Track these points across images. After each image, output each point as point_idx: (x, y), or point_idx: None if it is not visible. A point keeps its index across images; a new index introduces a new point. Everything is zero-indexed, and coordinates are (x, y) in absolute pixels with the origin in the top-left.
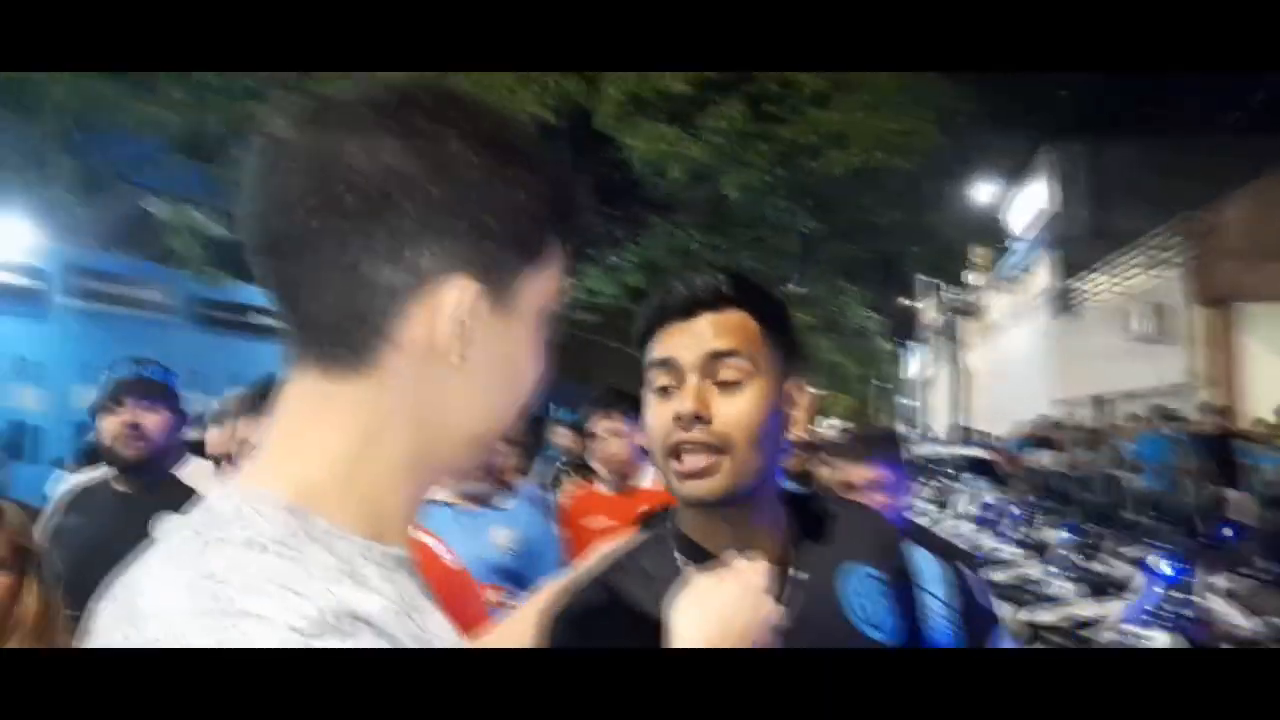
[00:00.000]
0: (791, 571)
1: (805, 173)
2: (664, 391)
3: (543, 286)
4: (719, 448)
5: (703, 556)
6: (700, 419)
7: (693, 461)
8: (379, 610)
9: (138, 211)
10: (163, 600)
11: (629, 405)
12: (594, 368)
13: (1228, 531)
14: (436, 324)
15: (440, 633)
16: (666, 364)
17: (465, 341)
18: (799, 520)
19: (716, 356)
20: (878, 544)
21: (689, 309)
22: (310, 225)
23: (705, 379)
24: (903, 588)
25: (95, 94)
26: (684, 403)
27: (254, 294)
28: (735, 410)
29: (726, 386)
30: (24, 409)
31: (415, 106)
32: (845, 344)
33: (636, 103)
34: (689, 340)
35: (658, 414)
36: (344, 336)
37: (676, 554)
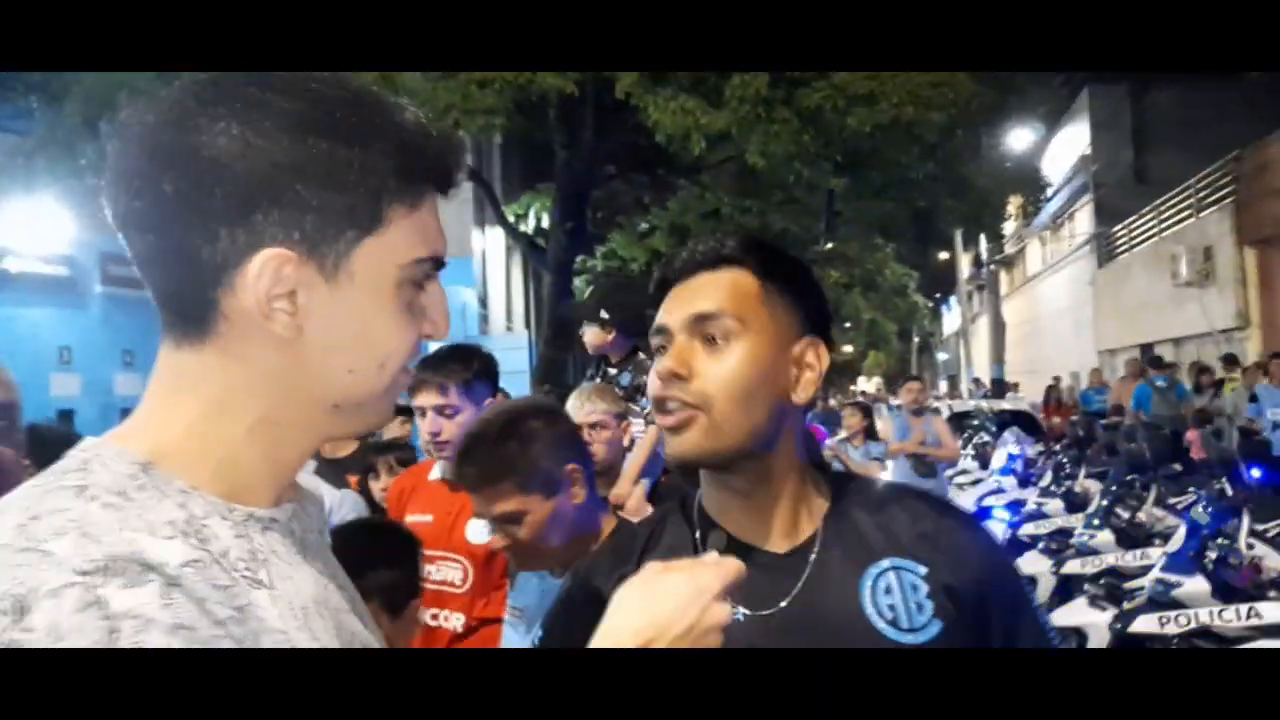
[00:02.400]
0: (812, 556)
1: (833, 131)
2: (660, 353)
3: (392, 252)
4: (696, 405)
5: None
6: (678, 376)
7: (669, 417)
8: (179, 561)
9: None
10: None
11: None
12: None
13: (1256, 473)
14: (252, 296)
15: (295, 590)
16: (661, 330)
17: (298, 312)
18: (845, 504)
19: (702, 318)
20: (939, 539)
21: (687, 272)
22: (135, 206)
23: (692, 338)
24: (976, 594)
25: (122, 82)
26: (664, 361)
27: None
28: (716, 368)
29: (712, 345)
30: (69, 397)
31: (228, 89)
32: (882, 301)
33: (654, 75)
34: (680, 302)
35: (652, 375)
36: (183, 308)
37: (696, 529)
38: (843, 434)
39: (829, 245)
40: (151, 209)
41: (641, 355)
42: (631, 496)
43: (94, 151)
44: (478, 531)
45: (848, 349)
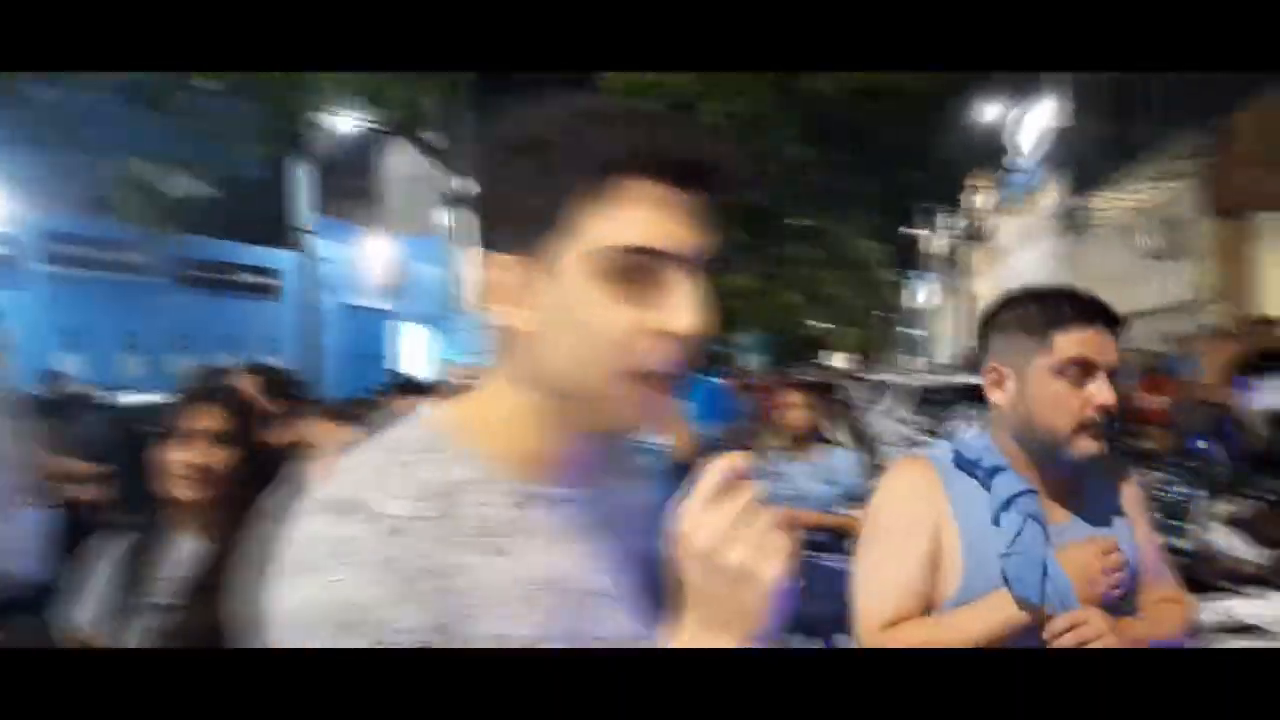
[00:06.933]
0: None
1: (800, 96)
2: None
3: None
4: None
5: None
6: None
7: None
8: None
9: (104, 173)
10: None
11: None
12: None
13: (1202, 444)
14: None
15: None
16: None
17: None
18: None
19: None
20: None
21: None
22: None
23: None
24: None
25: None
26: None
27: (240, 252)
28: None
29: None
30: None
31: None
32: (848, 276)
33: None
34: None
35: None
36: None
37: None
38: (773, 440)
39: (802, 219)
40: None
41: None
42: None
43: (17, 118)
44: None
45: (812, 323)
